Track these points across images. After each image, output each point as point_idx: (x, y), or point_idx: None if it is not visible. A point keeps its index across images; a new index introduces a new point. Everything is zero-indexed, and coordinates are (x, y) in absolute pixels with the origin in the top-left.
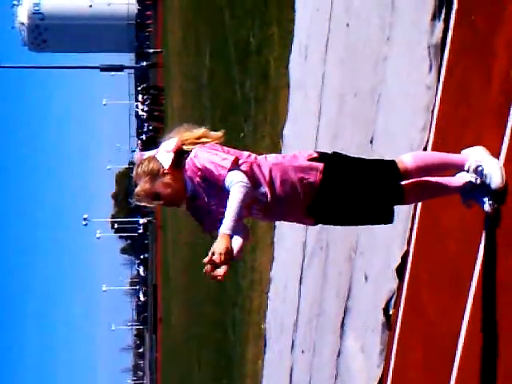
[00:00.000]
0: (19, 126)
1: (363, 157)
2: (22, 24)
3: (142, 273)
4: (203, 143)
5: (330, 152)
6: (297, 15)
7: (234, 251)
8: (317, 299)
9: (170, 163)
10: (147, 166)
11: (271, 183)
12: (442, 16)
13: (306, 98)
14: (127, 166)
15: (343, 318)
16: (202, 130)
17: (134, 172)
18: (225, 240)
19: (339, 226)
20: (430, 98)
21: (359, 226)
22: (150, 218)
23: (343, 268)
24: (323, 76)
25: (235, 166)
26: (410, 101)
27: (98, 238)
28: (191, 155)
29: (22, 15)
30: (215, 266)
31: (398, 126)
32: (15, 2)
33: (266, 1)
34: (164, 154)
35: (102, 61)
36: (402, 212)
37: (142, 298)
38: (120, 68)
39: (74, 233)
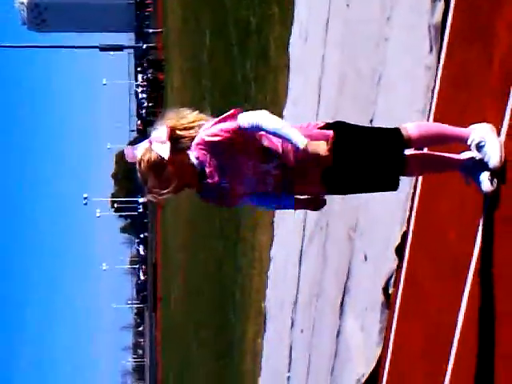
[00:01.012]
0: (19, 106)
1: (366, 125)
2: (22, 3)
3: (141, 252)
4: (197, 126)
5: (333, 121)
6: None
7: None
8: (316, 279)
9: (168, 152)
10: (149, 161)
11: (284, 154)
12: None
13: (306, 78)
14: (127, 146)
15: (343, 298)
16: (192, 115)
17: (138, 172)
18: (316, 144)
19: (347, 195)
20: (430, 79)
21: (365, 194)
22: None
23: (343, 248)
24: (323, 56)
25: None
26: (410, 81)
27: (98, 216)
28: (197, 140)
29: None
30: None
31: (398, 107)
32: None
33: None
34: (160, 146)
35: (101, 40)
36: (402, 192)
37: (141, 277)
38: (120, 48)
39: (74, 212)
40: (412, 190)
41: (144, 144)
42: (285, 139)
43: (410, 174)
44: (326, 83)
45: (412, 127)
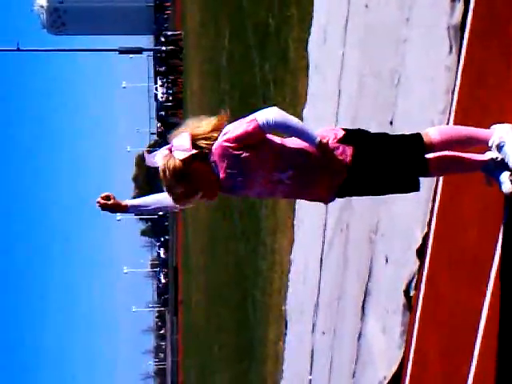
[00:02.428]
0: (39, 110)
1: (388, 132)
2: (42, 7)
3: (162, 255)
4: (215, 137)
5: (355, 129)
6: None
7: None
8: (337, 281)
9: (188, 156)
10: (175, 168)
11: (297, 165)
12: None
13: (326, 79)
14: (147, 149)
15: (364, 300)
16: (212, 122)
17: (163, 180)
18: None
19: (365, 197)
20: (450, 80)
21: (385, 196)
22: None
23: (364, 250)
24: (342, 58)
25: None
26: (430, 83)
27: (119, 220)
28: (215, 146)
29: None
30: None
31: (417, 108)
32: None
33: None
34: (183, 153)
35: (121, 43)
36: (423, 194)
37: (162, 280)
38: (139, 50)
39: (94, 215)
40: (433, 192)
41: (163, 151)
42: (302, 134)
43: (432, 175)
44: (345, 84)
45: (433, 132)
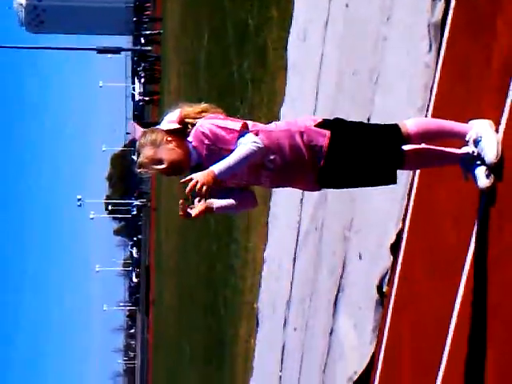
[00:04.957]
0: (15, 107)
1: (366, 120)
2: (20, 4)
3: (135, 254)
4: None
5: (333, 118)
6: None
7: (215, 205)
8: (310, 278)
9: (172, 129)
10: (151, 135)
11: (279, 149)
12: None
13: (304, 79)
14: (122, 148)
15: (336, 296)
16: (203, 105)
17: (137, 143)
18: (207, 175)
19: (344, 189)
20: (429, 77)
21: (361, 191)
22: (144, 200)
23: (337, 247)
24: (321, 57)
25: (245, 129)
26: (409, 80)
27: (92, 218)
28: (196, 125)
29: None
30: (189, 203)
31: (396, 105)
32: None
33: None
34: (167, 125)
35: (99, 43)
36: (398, 190)
37: (134, 280)
38: (117, 50)
39: (67, 213)
40: (408, 188)
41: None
42: (229, 158)
43: (408, 168)
44: (323, 83)
45: (411, 123)
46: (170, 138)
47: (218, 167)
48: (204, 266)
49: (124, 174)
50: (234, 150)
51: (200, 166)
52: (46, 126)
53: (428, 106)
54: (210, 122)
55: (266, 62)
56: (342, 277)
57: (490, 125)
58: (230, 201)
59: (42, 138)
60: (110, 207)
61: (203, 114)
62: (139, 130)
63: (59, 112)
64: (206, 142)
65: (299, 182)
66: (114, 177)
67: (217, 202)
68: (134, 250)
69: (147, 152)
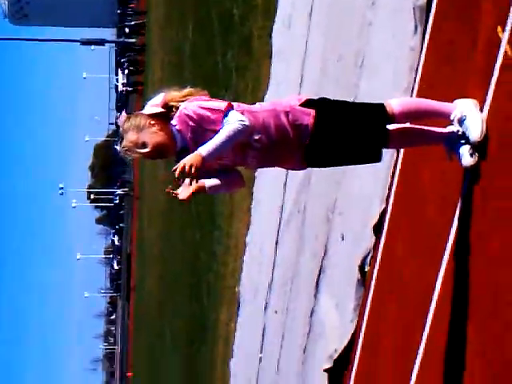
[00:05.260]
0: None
1: (351, 100)
2: None
3: (116, 242)
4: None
5: (318, 97)
6: None
7: (207, 185)
8: (292, 261)
9: (155, 112)
10: (134, 119)
11: (265, 129)
12: None
13: (289, 65)
14: (105, 139)
15: (318, 278)
16: (188, 89)
17: (121, 127)
18: (195, 157)
19: (329, 167)
20: (414, 59)
21: (344, 170)
22: (126, 190)
23: (320, 229)
24: (306, 43)
25: (231, 108)
26: (394, 62)
27: (74, 207)
28: (180, 108)
29: None
30: (178, 185)
31: (381, 88)
32: None
33: None
34: (150, 108)
35: (83, 35)
36: (382, 170)
37: (115, 267)
38: (101, 42)
39: (49, 202)
40: (392, 168)
41: None
42: (215, 139)
43: (393, 146)
44: (308, 68)
45: (396, 103)
46: (153, 122)
47: (204, 148)
48: (187, 253)
49: (107, 164)
50: (219, 130)
51: (185, 150)
52: (29, 117)
53: (413, 87)
54: (194, 104)
55: (251, 51)
56: (324, 258)
57: (474, 104)
58: (219, 181)
59: (25, 127)
60: (92, 196)
61: (188, 97)
62: (123, 115)
63: (43, 103)
64: (191, 123)
65: (286, 161)
66: (97, 167)
67: (208, 182)
68: (116, 238)
69: (131, 136)
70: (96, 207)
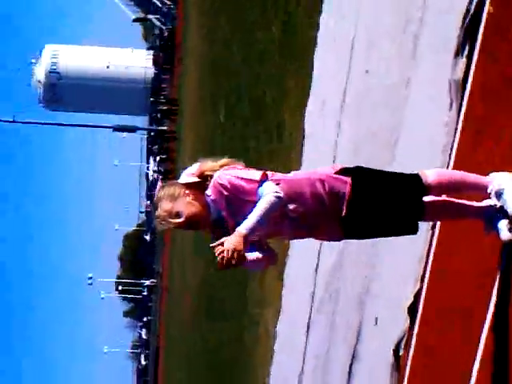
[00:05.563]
0: (30, 184)
1: (387, 170)
2: (39, 82)
3: (143, 336)
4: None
5: (353, 166)
6: (315, 65)
7: (248, 257)
8: (324, 348)
9: (190, 182)
10: (169, 189)
11: (300, 197)
12: (465, 53)
13: (320, 148)
14: (135, 228)
15: (351, 364)
16: (224, 159)
17: (156, 196)
18: (238, 238)
19: (366, 239)
20: (449, 137)
21: (384, 244)
22: (155, 280)
23: (353, 313)
24: (339, 123)
25: (265, 178)
26: (428, 140)
27: (103, 298)
28: (214, 177)
29: (40, 73)
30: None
31: (414, 165)
32: (33, 61)
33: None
34: (185, 178)
35: (115, 122)
36: (417, 244)
37: (142, 362)
38: (133, 129)
39: (78, 292)
40: (427, 246)
41: None
42: (253, 213)
43: (429, 219)
44: (340, 148)
45: (431, 173)
46: (188, 191)
47: (245, 226)
48: (216, 344)
49: (136, 254)
50: (254, 201)
51: (220, 221)
52: (60, 203)
53: (448, 163)
54: (228, 173)
55: (283, 134)
56: (357, 343)
57: (511, 177)
58: (258, 254)
59: (55, 215)
60: (120, 287)
61: (223, 167)
62: (159, 185)
63: (74, 189)
64: (225, 193)
65: (321, 230)
66: (126, 256)
67: (250, 255)
68: (143, 332)
69: (165, 205)
70: (124, 299)
